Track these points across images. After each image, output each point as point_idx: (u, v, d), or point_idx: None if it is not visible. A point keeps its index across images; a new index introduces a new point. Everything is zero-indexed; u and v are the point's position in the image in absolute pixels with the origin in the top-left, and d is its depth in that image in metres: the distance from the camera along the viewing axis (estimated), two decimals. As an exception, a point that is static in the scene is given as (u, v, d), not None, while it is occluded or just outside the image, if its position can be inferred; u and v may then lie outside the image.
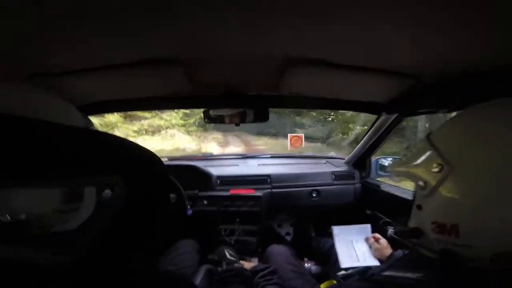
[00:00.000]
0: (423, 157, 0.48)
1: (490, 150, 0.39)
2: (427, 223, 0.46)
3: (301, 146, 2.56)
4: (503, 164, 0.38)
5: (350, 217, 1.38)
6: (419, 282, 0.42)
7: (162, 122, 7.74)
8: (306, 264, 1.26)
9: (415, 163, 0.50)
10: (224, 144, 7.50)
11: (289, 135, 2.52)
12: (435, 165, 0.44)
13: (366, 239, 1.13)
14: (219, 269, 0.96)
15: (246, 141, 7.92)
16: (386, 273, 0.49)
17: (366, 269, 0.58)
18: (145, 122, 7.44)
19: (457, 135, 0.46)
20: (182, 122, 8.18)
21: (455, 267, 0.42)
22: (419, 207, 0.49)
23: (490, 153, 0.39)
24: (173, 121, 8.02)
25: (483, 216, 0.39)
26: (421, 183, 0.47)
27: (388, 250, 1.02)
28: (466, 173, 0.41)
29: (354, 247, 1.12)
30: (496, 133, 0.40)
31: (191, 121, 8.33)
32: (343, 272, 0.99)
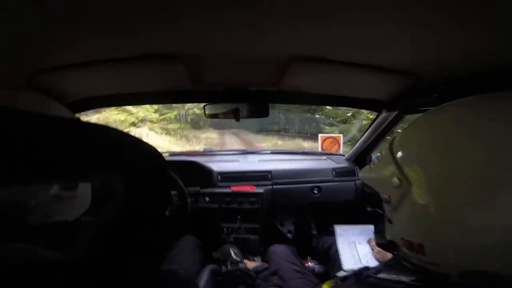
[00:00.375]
0: (385, 169, 0.45)
1: (447, 162, 0.37)
2: (398, 238, 0.44)
3: (338, 152, 1.82)
4: (462, 179, 0.35)
5: (351, 214, 1.38)
6: (412, 286, 0.42)
7: (123, 117, 5.17)
8: (309, 263, 1.25)
9: (379, 173, 0.48)
10: (220, 146, 6.15)
11: (319, 136, 1.94)
12: (395, 179, 0.42)
13: (368, 241, 1.11)
14: (223, 268, 0.95)
15: (248, 141, 6.62)
16: (381, 275, 0.49)
17: (362, 270, 0.58)
18: (97, 117, 4.84)
19: (414, 146, 0.43)
20: (157, 116, 5.47)
21: (432, 281, 0.41)
22: (390, 221, 0.47)
23: (447, 166, 0.36)
24: (141, 115, 5.20)
25: (444, 235, 0.37)
26: (385, 196, 0.45)
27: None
28: (425, 191, 0.39)
29: (357, 248, 1.10)
30: (452, 143, 0.37)
31: (172, 115, 5.68)
32: (342, 272, 0.99)
